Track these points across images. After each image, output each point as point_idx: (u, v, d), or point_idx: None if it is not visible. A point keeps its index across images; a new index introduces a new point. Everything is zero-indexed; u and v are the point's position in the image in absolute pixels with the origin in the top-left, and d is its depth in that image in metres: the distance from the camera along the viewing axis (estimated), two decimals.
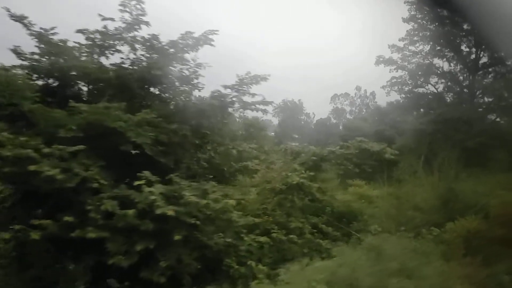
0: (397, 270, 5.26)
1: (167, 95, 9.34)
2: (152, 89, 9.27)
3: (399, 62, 29.34)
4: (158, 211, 6.44)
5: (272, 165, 10.80)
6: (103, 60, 9.02)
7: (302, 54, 71.56)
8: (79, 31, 8.34)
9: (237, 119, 34.20)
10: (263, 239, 8.14)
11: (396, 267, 5.19)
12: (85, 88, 9.11)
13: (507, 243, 6.04)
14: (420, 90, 30.01)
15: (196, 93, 9.92)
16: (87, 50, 8.79)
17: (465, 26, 28.09)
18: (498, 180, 11.20)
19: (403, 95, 30.54)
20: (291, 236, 8.24)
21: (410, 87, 30.06)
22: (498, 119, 27.03)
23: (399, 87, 29.98)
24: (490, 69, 28.10)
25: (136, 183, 6.88)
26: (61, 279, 7.11)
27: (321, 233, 9.00)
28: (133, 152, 7.71)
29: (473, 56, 28.12)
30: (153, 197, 6.55)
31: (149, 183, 6.95)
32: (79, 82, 9.01)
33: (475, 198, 9.52)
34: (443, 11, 27.92)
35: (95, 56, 8.92)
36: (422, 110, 29.77)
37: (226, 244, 7.47)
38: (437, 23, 28.55)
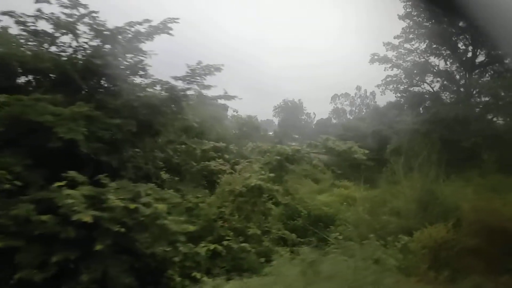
0: None
1: (114, 87, 8.43)
2: (99, 81, 8.42)
3: (394, 60, 28.41)
4: (74, 217, 5.57)
5: (236, 165, 9.90)
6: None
7: (302, 53, 70.88)
8: (4, 13, 7.42)
9: (230, 118, 33.68)
10: (214, 247, 7.23)
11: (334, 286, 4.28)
12: (26, 79, 8.27)
13: (478, 255, 5.15)
14: (416, 89, 29.00)
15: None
16: (26, 37, 7.94)
17: (461, 24, 27.20)
18: (485, 183, 10.31)
19: (399, 94, 29.47)
20: (244, 244, 7.31)
21: (405, 86, 29.05)
22: (495, 119, 25.92)
23: (394, 86, 28.98)
24: (487, 68, 27.08)
25: (56, 184, 6.01)
26: None
27: (282, 240, 8.07)
28: (67, 149, 6.85)
29: (469, 54, 27.17)
30: (70, 201, 5.68)
31: (73, 185, 6.10)
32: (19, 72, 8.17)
33: (457, 203, 8.61)
34: (439, 8, 27.05)
35: (36, 43, 8.07)
36: (417, 109, 28.77)
37: (164, 254, 6.53)
38: (433, 21, 27.64)
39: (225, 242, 7.30)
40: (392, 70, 28.58)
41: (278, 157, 8.03)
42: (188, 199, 8.55)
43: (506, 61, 26.26)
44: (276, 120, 68.11)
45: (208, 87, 8.59)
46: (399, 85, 28.84)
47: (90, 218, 5.58)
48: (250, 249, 7.31)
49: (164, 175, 9.20)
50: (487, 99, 26.42)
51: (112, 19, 8.20)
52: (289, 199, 9.05)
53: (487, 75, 26.90)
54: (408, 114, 28.66)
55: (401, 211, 9.00)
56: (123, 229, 5.86)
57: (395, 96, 29.09)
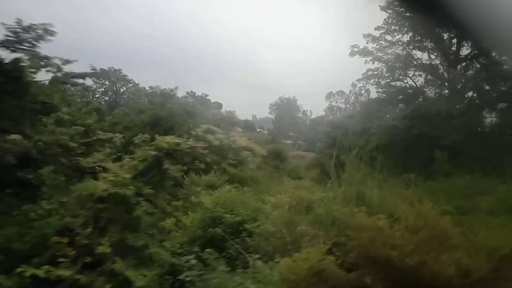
0: None
1: None
2: None
3: (375, 53, 27.00)
4: None
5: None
6: None
7: (296, 50, 69.86)
8: None
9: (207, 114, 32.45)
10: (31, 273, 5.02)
11: None
12: None
13: None
14: (398, 83, 27.60)
15: None
16: None
17: (446, 15, 25.75)
18: (434, 187, 8.98)
19: (380, 89, 28.05)
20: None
21: (387, 81, 27.66)
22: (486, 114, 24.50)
23: (376, 80, 27.59)
24: (473, 61, 25.66)
25: None
26: None
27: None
28: None
29: (454, 47, 25.77)
30: None
31: None
32: None
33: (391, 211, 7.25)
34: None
35: None
36: (399, 105, 27.42)
37: None
38: (415, 11, 26.22)
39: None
40: (373, 63, 27.26)
41: (155, 153, 6.28)
42: (31, 208, 6.76)
43: (492, 54, 24.94)
44: (281, 118, 67.22)
45: (68, 61, 7.09)
46: (380, 79, 27.46)
47: None
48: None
49: None
50: (472, 93, 25.06)
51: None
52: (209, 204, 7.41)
53: (472, 68, 25.46)
54: (389, 110, 27.37)
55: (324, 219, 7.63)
56: None
57: (376, 91, 27.65)
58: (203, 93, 63.33)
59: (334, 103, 64.94)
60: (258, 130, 65.27)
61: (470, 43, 25.34)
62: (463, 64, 25.86)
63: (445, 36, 25.97)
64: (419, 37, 26.52)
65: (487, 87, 24.10)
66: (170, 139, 6.22)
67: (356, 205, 5.78)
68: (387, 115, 26.49)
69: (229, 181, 17.14)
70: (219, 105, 71.10)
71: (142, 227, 5.64)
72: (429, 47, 26.46)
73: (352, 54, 26.99)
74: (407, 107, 25.88)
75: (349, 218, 4.26)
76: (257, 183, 14.39)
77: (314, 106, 71.26)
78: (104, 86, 53.22)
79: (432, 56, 26.48)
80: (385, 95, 27.31)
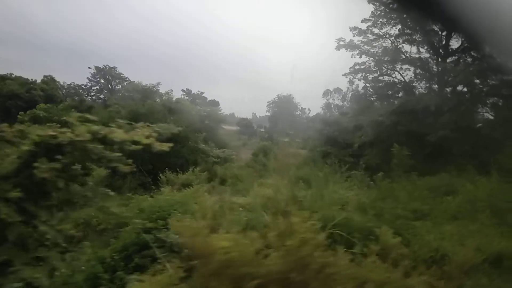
0: None
1: None
2: None
3: (362, 47, 26.00)
4: None
5: None
6: None
7: (293, 47, 69.10)
8: None
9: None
10: None
11: None
12: None
13: None
14: (386, 78, 26.60)
15: None
16: None
17: (434, 7, 24.77)
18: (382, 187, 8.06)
19: (368, 84, 27.04)
20: None
21: (375, 75, 26.65)
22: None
23: (363, 74, 26.58)
24: (464, 55, 24.63)
25: None
26: None
27: None
28: None
29: (444, 40, 24.76)
30: None
31: None
32: None
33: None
34: None
35: None
36: (388, 100, 26.42)
37: None
38: (403, 3, 25.23)
39: None
40: (360, 57, 26.26)
41: (29, 148, 4.76)
42: None
43: (483, 47, 23.90)
44: (277, 116, 66.67)
45: None
46: (367, 74, 26.46)
47: None
48: None
49: None
50: (462, 88, 24.05)
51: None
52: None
53: (462, 62, 24.39)
54: (377, 106, 26.41)
55: None
56: None
57: (364, 86, 26.65)
58: (198, 91, 62.66)
59: (331, 101, 64.11)
60: (255, 128, 64.58)
61: (460, 36, 24.37)
62: (454, 57, 24.85)
63: (435, 28, 24.96)
64: (408, 30, 25.50)
65: (477, 81, 23.14)
66: (43, 129, 5.10)
67: (277, 209, 4.95)
68: (375, 111, 25.55)
69: (209, 179, 16.46)
70: (216, 103, 70.16)
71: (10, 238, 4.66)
72: (418, 40, 25.42)
73: (338, 48, 26.01)
74: (395, 102, 24.94)
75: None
76: (239, 181, 13.76)
77: (313, 104, 70.37)
78: (99, 84, 52.59)
79: (422, 49, 25.44)
80: (372, 90, 26.27)
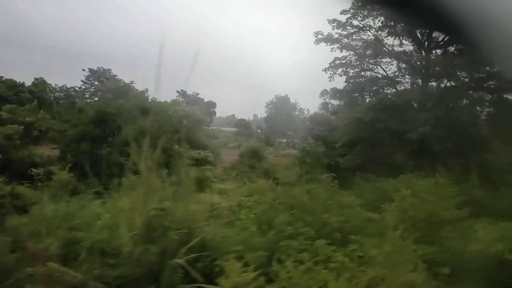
0: None
1: None
2: None
3: (341, 40, 24.62)
4: None
5: None
6: None
7: (292, 47, 67.79)
8: None
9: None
10: None
11: None
12: None
13: None
14: (368, 73, 25.23)
15: None
16: None
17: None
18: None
19: (351, 80, 25.52)
20: None
21: (357, 70, 25.26)
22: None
23: (344, 69, 25.16)
24: (448, 46, 23.25)
25: None
26: None
27: None
28: None
29: (427, 32, 23.34)
30: None
31: None
32: None
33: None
34: None
35: None
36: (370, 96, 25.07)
37: None
38: None
39: None
40: (341, 51, 24.85)
41: None
42: None
43: (469, 37, 22.44)
44: (273, 117, 65.80)
45: None
46: (348, 69, 25.05)
47: None
48: None
49: None
50: (447, 82, 22.67)
51: None
52: None
53: (448, 55, 22.92)
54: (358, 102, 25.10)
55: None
56: None
57: (344, 82, 25.23)
58: (194, 92, 61.66)
59: (327, 100, 62.72)
60: (253, 129, 63.41)
61: (444, 28, 22.99)
62: (438, 50, 23.50)
63: (417, 20, 23.57)
64: (390, 22, 24.08)
65: (463, 74, 21.77)
66: None
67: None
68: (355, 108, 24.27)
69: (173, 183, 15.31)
70: (213, 104, 68.89)
71: None
72: (400, 32, 24.04)
73: (317, 41, 24.66)
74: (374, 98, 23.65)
75: None
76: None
77: (311, 104, 69.40)
78: (93, 87, 51.65)
79: (405, 42, 24.06)
80: (351, 86, 24.92)
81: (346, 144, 24.08)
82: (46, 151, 22.77)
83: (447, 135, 19.71)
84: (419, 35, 23.61)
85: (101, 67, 43.18)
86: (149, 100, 27.85)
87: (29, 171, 18.65)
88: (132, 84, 28.29)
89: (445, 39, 22.96)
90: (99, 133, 20.61)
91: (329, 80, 25.04)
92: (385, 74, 24.60)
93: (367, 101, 24.87)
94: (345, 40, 24.36)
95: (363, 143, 22.42)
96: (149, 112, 26.87)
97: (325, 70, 25.04)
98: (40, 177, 18.10)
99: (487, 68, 20.65)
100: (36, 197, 15.76)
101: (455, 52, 22.66)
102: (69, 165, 19.59)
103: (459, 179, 13.27)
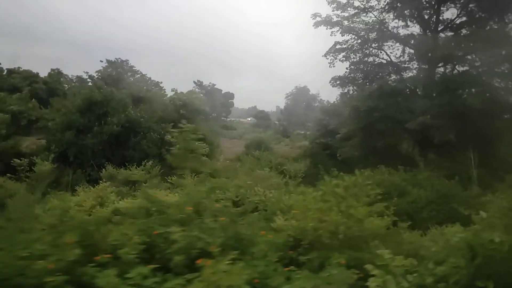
0: None
1: None
2: None
3: (344, 23, 22.79)
4: None
5: None
6: None
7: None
8: None
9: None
10: None
11: None
12: None
13: None
14: (371, 58, 23.39)
15: None
16: None
17: None
18: None
19: (353, 66, 23.66)
20: None
21: (359, 55, 23.41)
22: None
23: (346, 54, 23.32)
24: (456, 27, 21.20)
25: None
26: None
27: None
28: None
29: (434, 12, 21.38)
30: None
31: None
32: None
33: None
34: None
35: None
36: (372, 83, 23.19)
37: None
38: None
39: None
40: (342, 35, 23.00)
41: None
42: None
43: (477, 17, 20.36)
44: (291, 108, 64.87)
45: None
46: (350, 53, 23.20)
47: None
48: None
49: None
50: (453, 67, 20.66)
51: None
52: None
53: (455, 37, 20.82)
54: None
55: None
56: None
57: (346, 68, 23.43)
58: (210, 83, 61.36)
59: (345, 90, 61.09)
60: (273, 120, 62.49)
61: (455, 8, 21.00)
62: (448, 34, 21.46)
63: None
64: (397, 3, 22.10)
65: (470, 57, 19.74)
66: None
67: None
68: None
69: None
70: (231, 95, 68.11)
71: None
72: (406, 13, 22.08)
73: (316, 24, 22.95)
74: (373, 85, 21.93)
75: None
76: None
77: (332, 95, 68.04)
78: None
79: (410, 24, 22.10)
80: (352, 74, 23.20)
81: (345, 135, 22.63)
82: (36, 141, 22.35)
83: (453, 125, 17.88)
84: (426, 16, 21.67)
85: (119, 58, 42.81)
86: (144, 89, 27.06)
87: (11, 162, 18.14)
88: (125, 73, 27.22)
89: (456, 20, 21.01)
90: (84, 122, 19.77)
91: (329, 66, 23.30)
92: (389, 59, 22.71)
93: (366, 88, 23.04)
94: (346, 22, 22.55)
95: (360, 134, 20.85)
96: (142, 101, 26.13)
97: (325, 55, 23.36)
98: (22, 167, 17.61)
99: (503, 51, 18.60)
100: (16, 188, 15.17)
101: (468, 33, 20.63)
102: (52, 155, 19.12)
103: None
